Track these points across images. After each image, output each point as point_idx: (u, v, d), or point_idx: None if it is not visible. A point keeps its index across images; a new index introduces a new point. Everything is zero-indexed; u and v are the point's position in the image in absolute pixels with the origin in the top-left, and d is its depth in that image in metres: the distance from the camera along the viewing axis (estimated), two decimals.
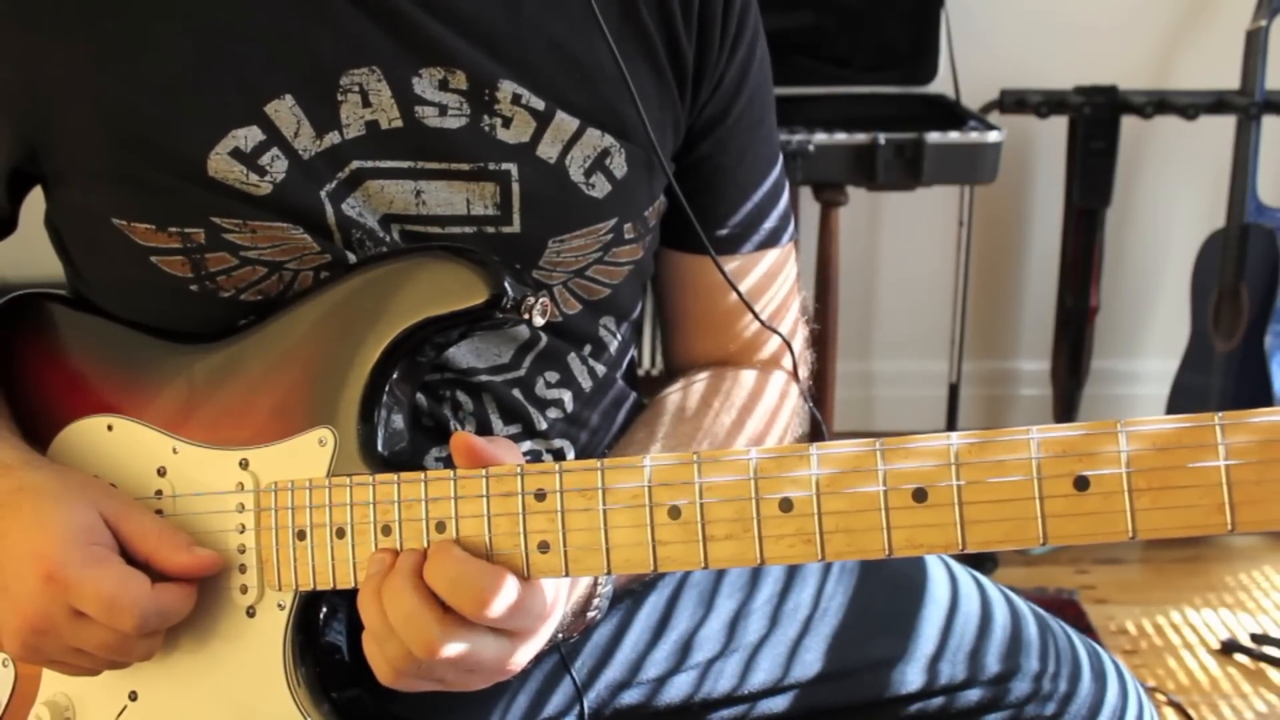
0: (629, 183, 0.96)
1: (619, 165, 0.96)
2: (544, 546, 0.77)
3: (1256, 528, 0.62)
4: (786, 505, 0.72)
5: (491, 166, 0.92)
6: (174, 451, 0.90)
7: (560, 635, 0.88)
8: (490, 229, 0.93)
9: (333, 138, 0.90)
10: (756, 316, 1.05)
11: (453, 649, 0.76)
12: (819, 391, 2.45)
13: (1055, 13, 2.80)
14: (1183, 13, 2.82)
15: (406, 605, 0.77)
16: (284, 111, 0.88)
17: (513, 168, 0.93)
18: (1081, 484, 0.66)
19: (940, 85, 2.67)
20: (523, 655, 0.80)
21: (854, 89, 2.67)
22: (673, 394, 1.07)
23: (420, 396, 0.94)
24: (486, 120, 0.92)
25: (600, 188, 0.96)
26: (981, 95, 2.64)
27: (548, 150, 0.93)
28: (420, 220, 0.92)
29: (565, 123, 0.93)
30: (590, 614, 0.91)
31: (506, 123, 0.92)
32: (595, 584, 0.90)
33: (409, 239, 0.93)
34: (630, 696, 1.02)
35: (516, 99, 0.92)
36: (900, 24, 2.67)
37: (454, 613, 0.76)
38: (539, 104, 0.93)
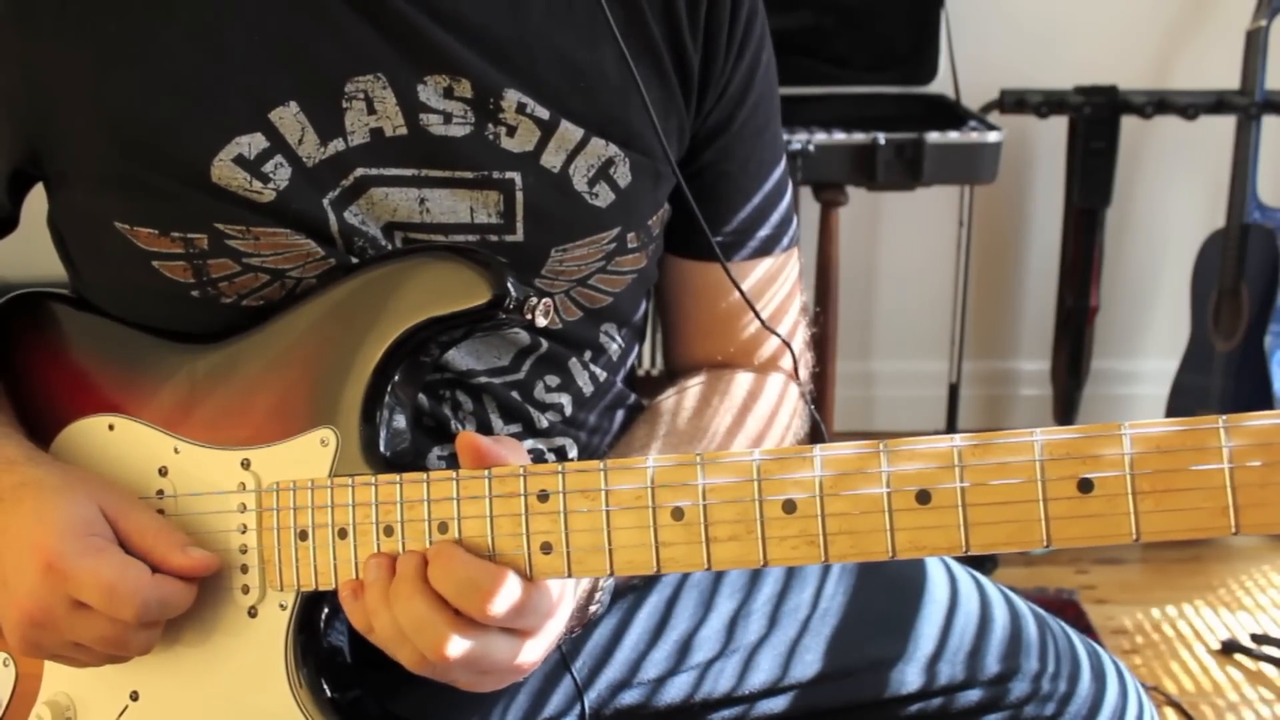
0: (632, 192, 0.96)
1: (623, 175, 0.96)
2: (547, 547, 0.77)
3: (1260, 530, 0.62)
4: (790, 507, 0.72)
5: (495, 175, 0.92)
6: (175, 451, 0.90)
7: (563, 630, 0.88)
8: (493, 238, 0.93)
9: (337, 145, 0.90)
10: (759, 318, 1.05)
11: (465, 651, 0.76)
12: (819, 392, 2.45)
13: (1055, 13, 2.80)
14: (1183, 13, 2.82)
15: (417, 610, 0.77)
16: (288, 119, 0.88)
17: (516, 176, 0.93)
18: (1085, 486, 0.66)
19: (940, 85, 2.67)
20: (531, 653, 0.80)
21: (854, 89, 2.68)
22: (672, 395, 1.07)
23: (420, 396, 0.94)
24: (491, 129, 0.92)
25: (604, 197, 0.95)
26: (981, 95, 2.64)
27: (552, 159, 0.93)
28: (424, 228, 0.92)
29: (570, 132, 0.93)
30: (592, 609, 0.91)
31: (511, 131, 0.92)
32: (596, 579, 0.90)
33: None
34: (630, 696, 1.02)
35: (521, 108, 0.92)
36: (900, 24, 2.67)
37: (464, 614, 0.76)
38: (544, 113, 0.93)
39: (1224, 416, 0.63)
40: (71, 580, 0.80)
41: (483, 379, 0.97)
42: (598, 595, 0.91)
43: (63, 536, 0.81)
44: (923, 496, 0.69)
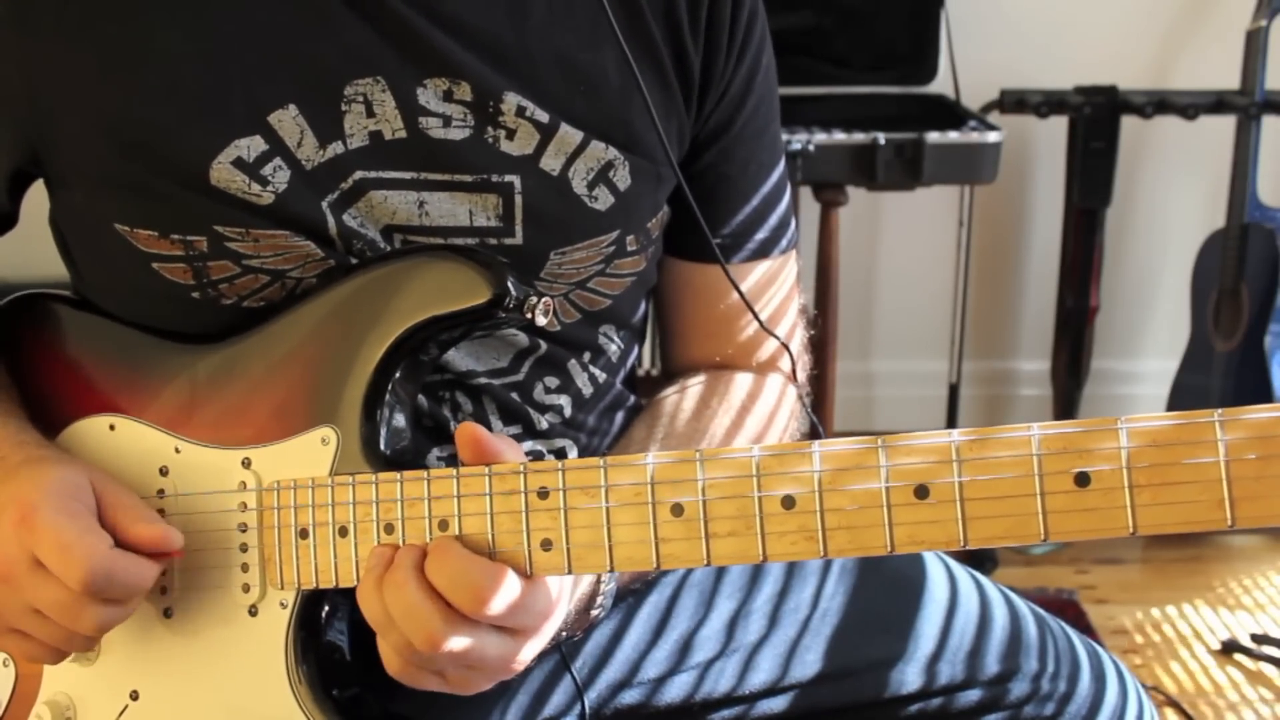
0: (632, 195, 0.96)
1: (622, 177, 0.96)
2: (547, 544, 0.77)
3: (1257, 523, 0.62)
4: (789, 502, 0.72)
5: (495, 178, 0.92)
6: (176, 451, 0.90)
7: (564, 634, 0.88)
8: (492, 240, 0.93)
9: (336, 148, 0.90)
10: (758, 319, 1.05)
11: (455, 643, 0.76)
12: (819, 392, 2.45)
13: (1055, 13, 2.80)
14: (1183, 13, 2.82)
15: (408, 598, 0.77)
16: (287, 121, 0.89)
17: (516, 179, 0.93)
18: (1082, 480, 0.66)
19: (940, 85, 2.67)
20: (526, 654, 0.80)
21: (854, 89, 2.68)
22: (671, 395, 1.07)
23: (420, 397, 0.94)
24: (490, 132, 0.92)
25: (603, 200, 0.96)
26: (981, 95, 2.64)
27: (551, 162, 0.94)
28: (422, 231, 0.92)
29: (569, 135, 0.93)
30: (594, 612, 0.91)
31: (510, 134, 0.92)
32: (598, 581, 0.90)
33: None
34: (630, 696, 1.02)
35: (521, 111, 0.92)
36: (900, 24, 2.68)
37: (457, 609, 0.76)
38: (543, 116, 0.93)
39: (1219, 410, 0.63)
40: (37, 534, 0.81)
41: (482, 380, 0.97)
42: (599, 600, 0.91)
43: (46, 494, 0.82)
44: (921, 491, 0.69)
